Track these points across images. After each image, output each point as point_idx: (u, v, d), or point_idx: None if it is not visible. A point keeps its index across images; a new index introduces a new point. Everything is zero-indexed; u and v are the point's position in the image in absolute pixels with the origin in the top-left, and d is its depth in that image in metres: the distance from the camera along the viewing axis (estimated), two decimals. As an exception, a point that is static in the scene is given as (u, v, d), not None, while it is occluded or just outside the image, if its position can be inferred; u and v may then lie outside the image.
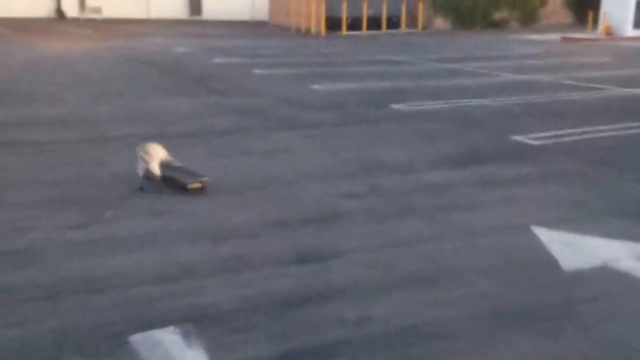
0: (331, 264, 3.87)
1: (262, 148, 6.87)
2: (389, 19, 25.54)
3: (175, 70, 12.96)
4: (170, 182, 5.34)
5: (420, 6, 26.27)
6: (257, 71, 13.02)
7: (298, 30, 24.58)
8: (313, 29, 23.90)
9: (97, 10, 28.74)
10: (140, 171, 5.27)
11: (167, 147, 6.65)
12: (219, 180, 5.59)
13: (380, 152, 6.74)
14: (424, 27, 26.63)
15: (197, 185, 5.34)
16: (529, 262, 3.86)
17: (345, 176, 5.86)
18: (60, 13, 28.04)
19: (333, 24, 24.05)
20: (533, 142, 7.16)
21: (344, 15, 23.97)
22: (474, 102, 9.87)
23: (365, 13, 24.35)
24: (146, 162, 5.24)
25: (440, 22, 27.44)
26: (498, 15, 28.47)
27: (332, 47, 19.00)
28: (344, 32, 23.98)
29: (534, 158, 6.49)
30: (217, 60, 14.89)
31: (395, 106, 9.38)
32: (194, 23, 28.25)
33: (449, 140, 7.33)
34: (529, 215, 4.72)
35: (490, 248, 4.09)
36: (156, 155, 5.31)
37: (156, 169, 5.26)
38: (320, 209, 4.95)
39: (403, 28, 25.82)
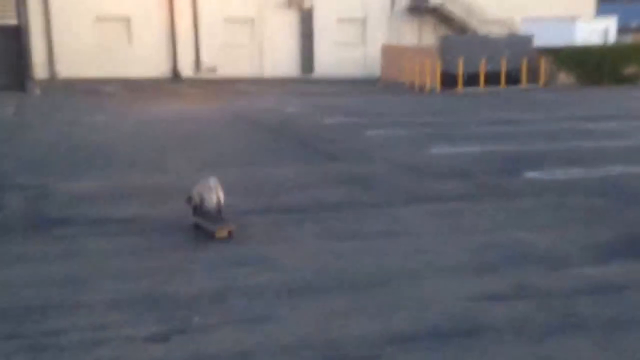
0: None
1: (378, 228, 5.88)
2: (508, 74, 24.19)
3: (284, 132, 12.34)
4: (201, 229, 5.56)
5: (543, 61, 24.75)
6: (370, 132, 12.15)
7: (411, 86, 23.72)
8: (427, 86, 22.96)
9: (213, 70, 29.30)
10: (210, 204, 5.51)
11: (272, 225, 5.89)
12: (329, 274, 4.63)
13: (522, 236, 5.57)
14: (546, 83, 25.02)
15: (224, 234, 5.40)
16: None
17: (482, 269, 4.74)
18: (176, 73, 28.78)
19: (448, 80, 23.00)
20: None
21: (460, 71, 22.88)
22: (623, 169, 8.44)
23: (483, 68, 23.16)
24: (217, 196, 5.54)
25: (563, 77, 25.72)
26: (627, 70, 26.34)
27: (449, 105, 17.94)
28: (460, 88, 22.87)
29: None
30: (328, 120, 14.19)
31: (530, 174, 8.15)
32: (306, 81, 28.14)
33: (606, 220, 6.04)
34: None
35: None
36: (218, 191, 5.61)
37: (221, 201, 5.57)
38: (455, 317, 3.87)
39: (524, 84, 24.34)
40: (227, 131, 12.64)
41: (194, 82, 26.29)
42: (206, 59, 29.17)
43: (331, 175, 8.34)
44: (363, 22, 30.40)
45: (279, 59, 30.05)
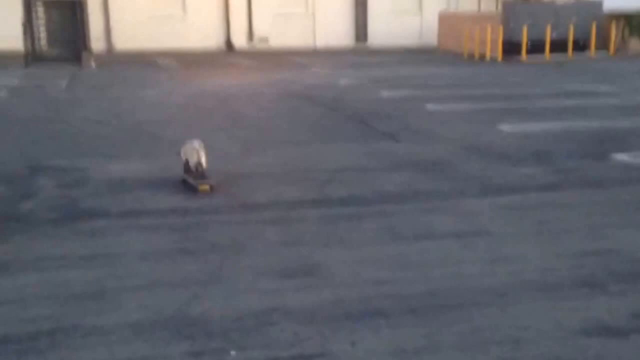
0: None
1: (448, 227, 5.04)
2: (576, 42, 22.59)
3: (338, 108, 11.50)
4: (186, 184, 6.11)
5: (613, 27, 23.03)
6: (431, 107, 11.20)
7: (471, 56, 22.43)
8: (488, 55, 21.64)
9: (265, 41, 28.57)
10: (191, 160, 6.09)
11: (324, 221, 5.15)
12: (393, 290, 3.84)
13: (627, 239, 4.65)
14: (617, 51, 23.31)
15: (206, 187, 5.97)
16: None
17: (584, 286, 3.87)
18: (229, 45, 28.21)
19: (510, 48, 21.60)
20: None
21: (524, 39, 21.44)
22: None
23: (548, 36, 21.66)
24: (198, 156, 6.05)
25: (636, 45, 23.94)
26: None
27: (513, 76, 16.71)
28: (524, 57, 21.47)
29: None
30: (384, 93, 13.28)
31: (619, 157, 7.14)
32: (360, 51, 27.10)
33: None
34: None
35: None
36: (201, 153, 6.12)
37: (203, 162, 6.09)
38: (561, 361, 3.03)
39: (592, 52, 22.74)
40: (278, 106, 11.89)
41: (247, 54, 25.62)
42: (259, 29, 28.43)
43: (390, 158, 7.50)
44: (420, -12, 29.03)
45: (331, 28, 29.06)
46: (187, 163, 6.16)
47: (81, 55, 19.91)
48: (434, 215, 5.31)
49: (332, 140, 8.61)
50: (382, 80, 15.85)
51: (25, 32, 19.32)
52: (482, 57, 21.74)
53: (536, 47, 21.83)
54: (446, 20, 25.84)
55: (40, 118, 10.56)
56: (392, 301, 3.68)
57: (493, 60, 21.17)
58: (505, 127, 9.08)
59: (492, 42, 21.62)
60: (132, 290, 3.90)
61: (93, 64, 20.20)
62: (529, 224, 5.05)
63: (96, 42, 26.06)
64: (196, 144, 6.21)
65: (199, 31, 27.15)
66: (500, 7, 23.72)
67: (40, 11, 20.62)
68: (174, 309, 3.63)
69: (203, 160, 6.08)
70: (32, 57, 19.52)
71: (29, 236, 4.94)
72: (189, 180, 6.09)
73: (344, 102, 12.08)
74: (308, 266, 4.23)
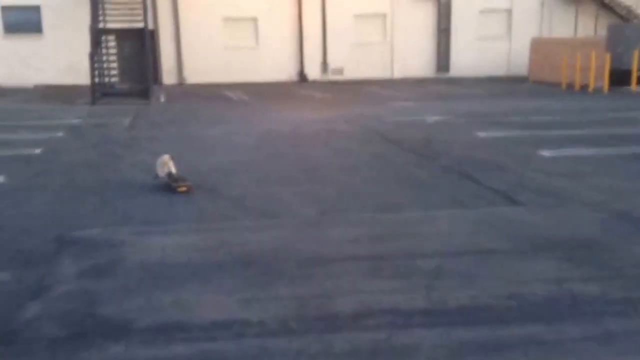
0: None
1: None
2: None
3: (431, 153, 9.67)
4: (167, 187, 7.28)
5: None
6: (546, 153, 9.23)
7: (570, 86, 20.17)
8: (592, 85, 19.33)
9: (339, 71, 27.20)
10: (161, 172, 7.43)
11: (447, 355, 3.28)
12: None
13: None
14: None
15: (184, 188, 7.12)
16: None
17: None
18: (302, 76, 27.06)
19: (616, 77, 19.26)
20: None
21: (635, 67, 19.04)
22: None
23: (664, 62, 19.20)
24: (168, 167, 7.38)
25: None
26: None
27: (631, 110, 14.45)
28: (635, 87, 19.04)
29: None
30: (481, 133, 11.37)
31: None
32: (441, 81, 25.23)
33: None
34: None
35: None
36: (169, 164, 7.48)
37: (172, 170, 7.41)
38: None
39: None
40: (358, 150, 10.16)
41: (321, 85, 24.22)
42: (333, 60, 27.08)
43: (516, 232, 5.59)
44: (509, 12, 27.01)
45: (411, 57, 27.37)
46: (156, 175, 7.41)
47: (149, 90, 18.93)
48: (619, 352, 3.40)
49: (432, 203, 6.77)
50: (475, 116, 13.93)
51: (92, 66, 18.45)
52: (584, 87, 19.45)
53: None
54: (540, 47, 23.66)
55: (91, 165, 9.22)
56: None
57: (597, 91, 18.86)
58: (657, 184, 7.05)
59: (596, 70, 19.34)
60: None
61: (162, 99, 19.22)
62: None
63: (168, 75, 25.42)
64: (166, 157, 7.44)
65: (271, 63, 26.06)
66: (603, 30, 21.40)
67: (110, 43, 19.78)
68: None
69: (172, 169, 7.31)
70: (100, 92, 18.64)
71: (11, 375, 3.35)
72: (170, 183, 7.25)
73: (437, 146, 10.25)
74: None
